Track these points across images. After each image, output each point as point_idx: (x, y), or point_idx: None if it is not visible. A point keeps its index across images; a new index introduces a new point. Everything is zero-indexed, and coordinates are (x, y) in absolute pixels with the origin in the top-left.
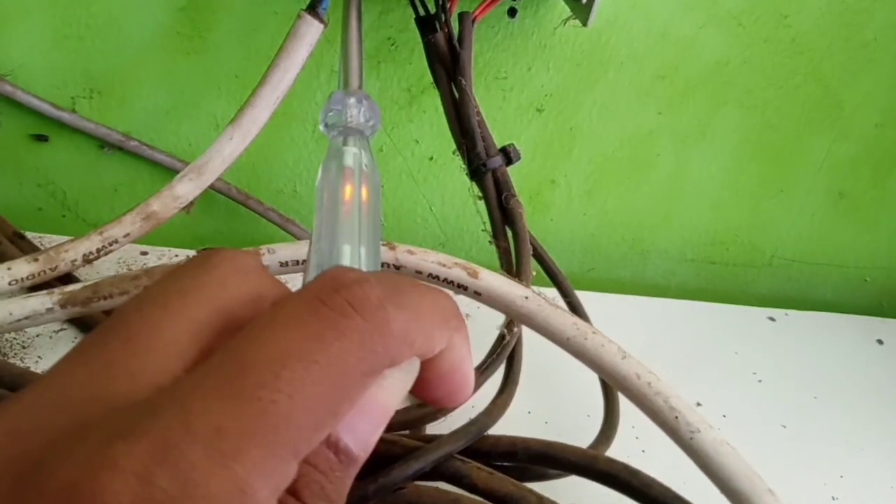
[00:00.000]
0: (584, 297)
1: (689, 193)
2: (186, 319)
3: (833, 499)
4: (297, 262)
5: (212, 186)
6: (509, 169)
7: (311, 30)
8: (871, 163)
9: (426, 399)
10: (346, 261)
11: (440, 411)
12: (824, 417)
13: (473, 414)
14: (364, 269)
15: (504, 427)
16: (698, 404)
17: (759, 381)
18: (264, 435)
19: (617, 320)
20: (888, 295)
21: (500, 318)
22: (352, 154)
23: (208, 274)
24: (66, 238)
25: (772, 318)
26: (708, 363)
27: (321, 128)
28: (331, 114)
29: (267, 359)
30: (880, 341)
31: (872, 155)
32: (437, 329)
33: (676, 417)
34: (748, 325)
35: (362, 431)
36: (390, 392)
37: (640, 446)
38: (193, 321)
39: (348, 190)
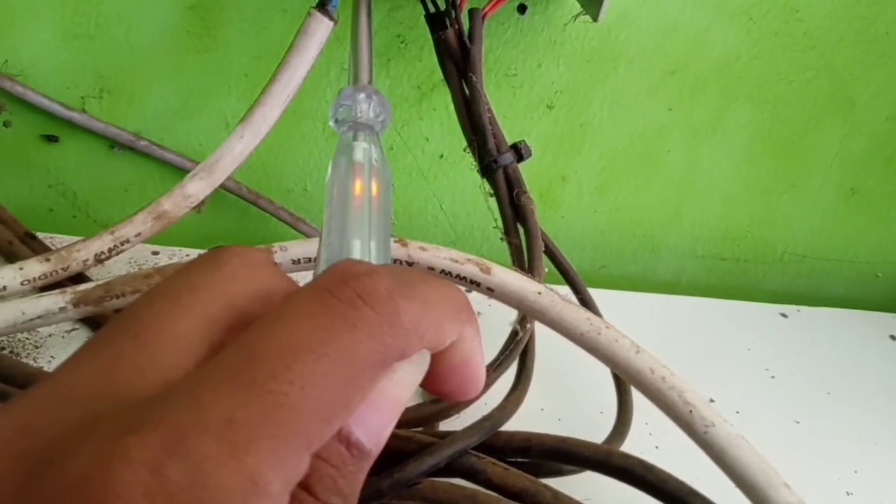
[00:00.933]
0: (596, 294)
1: (699, 189)
2: (196, 315)
3: (848, 494)
4: (310, 260)
5: (222, 186)
6: (520, 165)
7: (322, 27)
8: (883, 157)
9: (437, 392)
10: (356, 255)
11: (453, 407)
12: (838, 413)
13: (486, 410)
14: (374, 263)
15: (517, 424)
16: (711, 400)
17: (772, 377)
18: (276, 427)
19: (629, 317)
20: None
21: (512, 316)
22: (361, 149)
23: (219, 270)
24: (77, 238)
25: (784, 315)
26: (720, 360)
27: (331, 123)
28: (340, 109)
29: (278, 351)
30: (893, 337)
31: (884, 149)
32: (447, 321)
33: (691, 412)
34: (760, 322)
35: (374, 425)
36: (401, 385)
37: (653, 442)
38: (203, 316)
39: (358, 185)
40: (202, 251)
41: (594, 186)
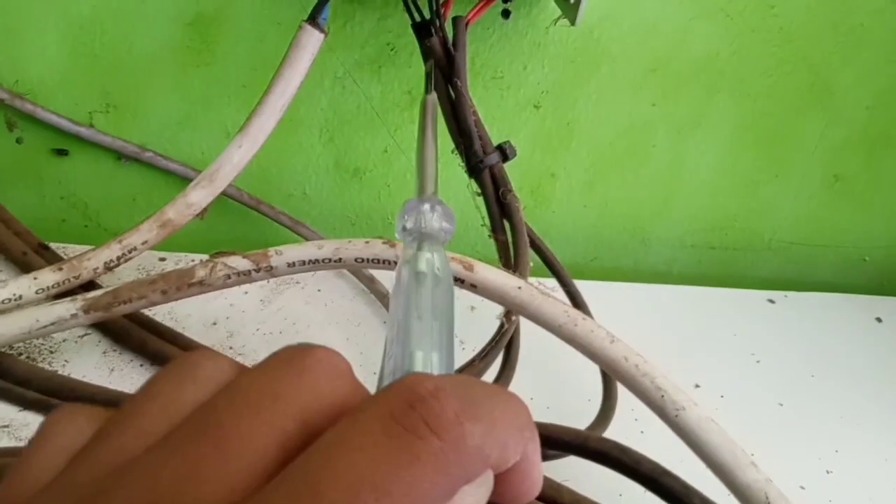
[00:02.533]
0: (588, 286)
1: (686, 182)
2: (275, 429)
3: (827, 472)
4: (304, 263)
5: (224, 192)
6: (506, 165)
7: (313, 40)
8: (865, 145)
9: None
10: (418, 366)
11: None
12: (821, 394)
13: None
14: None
15: None
16: (697, 386)
17: (758, 361)
18: None
19: (619, 307)
20: (887, 273)
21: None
22: (425, 259)
23: (301, 377)
24: (88, 247)
25: (771, 301)
26: (707, 346)
27: (398, 235)
28: (406, 220)
29: (338, 486)
30: (879, 319)
31: (865, 137)
32: (512, 440)
33: (662, 396)
34: (748, 308)
35: None
36: None
37: (638, 427)
38: (283, 431)
39: (421, 295)
40: (206, 256)
41: (583, 182)
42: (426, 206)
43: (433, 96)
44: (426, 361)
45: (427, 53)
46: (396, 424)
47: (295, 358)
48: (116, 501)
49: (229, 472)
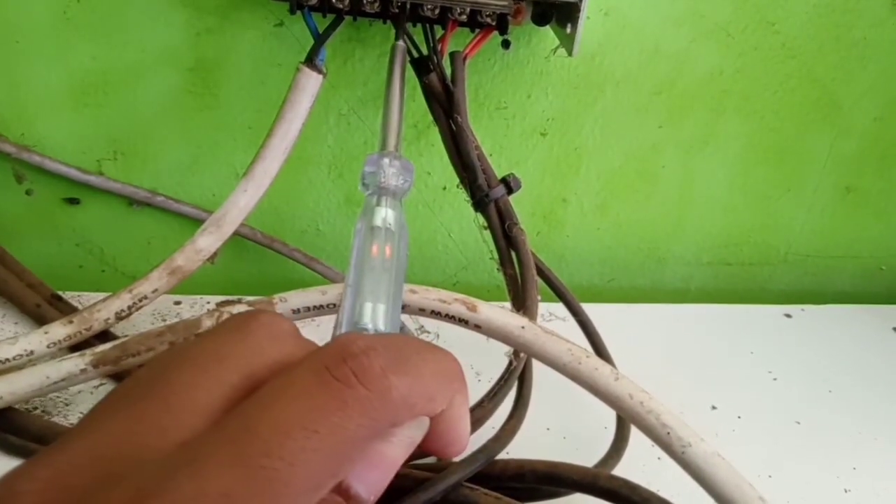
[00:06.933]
0: (603, 309)
1: (698, 200)
2: (220, 383)
3: (845, 491)
4: (309, 309)
5: (238, 233)
6: (511, 197)
7: (311, 81)
8: (876, 156)
9: (423, 449)
10: (366, 318)
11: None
12: (838, 411)
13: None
14: (382, 326)
15: (525, 444)
16: (713, 408)
17: (774, 379)
18: (267, 499)
19: (635, 330)
20: None
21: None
22: (380, 214)
23: (244, 341)
24: (102, 295)
25: (788, 315)
26: (724, 365)
27: (360, 187)
28: (366, 174)
29: (273, 427)
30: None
31: (876, 148)
32: (438, 392)
33: (668, 433)
34: (764, 324)
35: (373, 481)
36: (399, 447)
37: (655, 454)
38: (227, 385)
39: (374, 250)
40: (222, 297)
41: (595, 205)
42: (385, 161)
43: (402, 44)
44: (374, 312)
45: (427, 90)
46: (328, 375)
47: (241, 323)
48: (73, 461)
49: (173, 419)
